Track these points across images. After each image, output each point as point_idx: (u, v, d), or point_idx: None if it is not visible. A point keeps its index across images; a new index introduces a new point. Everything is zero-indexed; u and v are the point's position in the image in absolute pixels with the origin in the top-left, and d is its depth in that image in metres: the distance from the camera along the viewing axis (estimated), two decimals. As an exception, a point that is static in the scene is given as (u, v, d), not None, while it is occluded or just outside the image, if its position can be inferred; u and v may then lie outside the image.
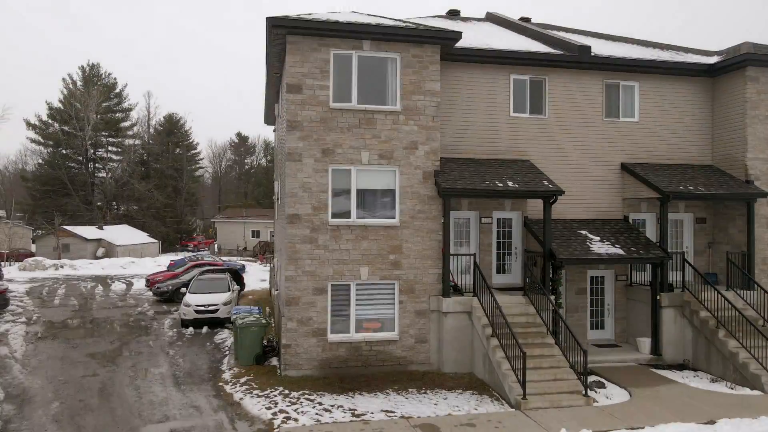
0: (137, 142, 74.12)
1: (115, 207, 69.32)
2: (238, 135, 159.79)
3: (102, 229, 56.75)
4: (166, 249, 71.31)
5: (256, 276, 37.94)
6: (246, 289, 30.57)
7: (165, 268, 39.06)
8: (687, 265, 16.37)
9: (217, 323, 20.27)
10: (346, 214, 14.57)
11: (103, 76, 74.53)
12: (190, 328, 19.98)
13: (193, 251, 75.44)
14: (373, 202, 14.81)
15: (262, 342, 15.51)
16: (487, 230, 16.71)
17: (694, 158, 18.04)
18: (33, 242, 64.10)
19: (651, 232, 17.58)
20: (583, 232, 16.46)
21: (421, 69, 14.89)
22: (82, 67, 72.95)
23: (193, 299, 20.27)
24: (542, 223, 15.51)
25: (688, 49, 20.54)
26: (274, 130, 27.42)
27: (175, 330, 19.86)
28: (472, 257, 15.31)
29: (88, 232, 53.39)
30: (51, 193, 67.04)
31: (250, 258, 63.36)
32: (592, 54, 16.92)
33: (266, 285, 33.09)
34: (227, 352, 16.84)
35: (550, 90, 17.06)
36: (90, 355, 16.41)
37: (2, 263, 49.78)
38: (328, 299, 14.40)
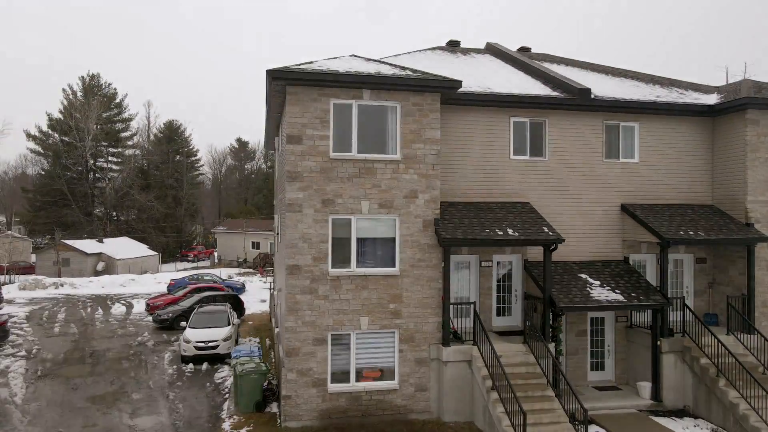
0: (137, 152, 74.04)
1: (116, 218, 69.29)
2: (238, 140, 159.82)
3: (102, 242, 56.75)
4: (166, 259, 71.38)
5: (256, 295, 37.94)
6: (246, 312, 30.57)
7: (165, 287, 39.13)
8: (690, 305, 16.41)
9: (217, 359, 20.27)
10: (347, 264, 14.56)
11: (104, 86, 74.69)
12: (190, 365, 19.96)
13: (193, 261, 75.65)
14: (373, 250, 14.81)
15: (262, 388, 15.49)
16: (487, 273, 16.71)
17: (694, 198, 18.03)
18: (33, 252, 64.25)
19: (651, 273, 17.58)
20: (584, 275, 16.46)
21: (421, 117, 14.89)
22: (83, 77, 73.14)
23: (193, 335, 20.24)
24: (542, 266, 15.52)
25: (689, 84, 20.55)
26: (274, 153, 27.39)
27: (174, 367, 19.84)
28: (472, 306, 15.31)
29: (88, 246, 53.39)
30: (51, 204, 67.12)
31: (251, 270, 63.41)
32: (593, 97, 16.91)
33: (266, 306, 33.11)
34: (227, 395, 16.83)
35: (550, 132, 17.06)
36: (90, 399, 16.39)
37: (2, 279, 49.98)
38: (328, 349, 14.39)
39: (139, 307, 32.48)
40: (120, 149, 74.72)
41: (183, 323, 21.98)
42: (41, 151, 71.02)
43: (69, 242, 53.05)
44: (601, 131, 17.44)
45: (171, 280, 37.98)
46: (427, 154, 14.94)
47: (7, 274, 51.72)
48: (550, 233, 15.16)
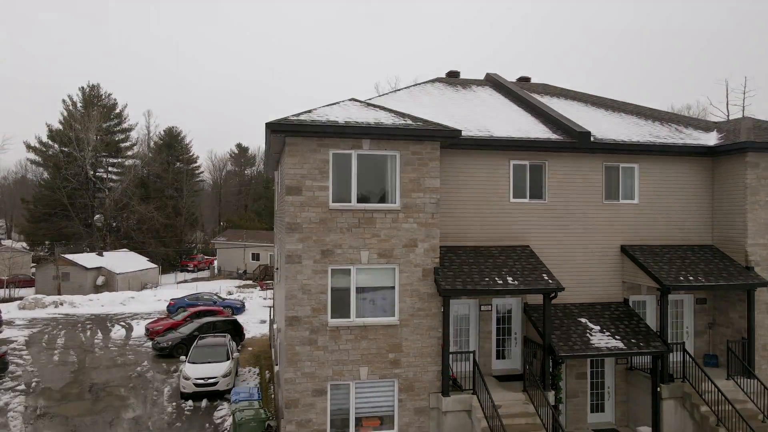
0: (137, 161, 73.96)
1: (116, 228, 69.24)
2: (238, 146, 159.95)
3: (102, 255, 56.72)
4: (166, 269, 71.36)
5: (256, 314, 37.91)
6: (246, 335, 30.54)
7: (165, 305, 39.10)
8: (690, 346, 16.38)
9: (217, 395, 20.25)
10: (346, 314, 14.54)
11: (103, 96, 74.69)
12: (190, 401, 19.95)
13: (192, 271, 75.63)
14: (373, 300, 14.78)
15: (262, 434, 15.48)
16: (486, 318, 16.69)
17: (694, 238, 18.00)
18: (33, 262, 64.24)
19: (651, 314, 17.56)
20: (583, 320, 16.43)
21: (421, 166, 14.88)
22: (83, 88, 73.14)
23: (193, 371, 20.22)
24: (542, 310, 15.51)
25: (689, 120, 20.55)
26: (275, 183, 27.37)
27: (174, 404, 19.82)
28: (471, 354, 15.29)
29: (88, 260, 53.35)
30: (51, 215, 67.12)
31: (251, 281, 63.37)
32: (592, 139, 16.90)
33: (266, 328, 33.08)
34: (226, 438, 16.82)
35: (550, 174, 17.04)
36: (89, 443, 16.37)
37: (2, 294, 49.96)
38: (328, 400, 14.37)
39: (139, 329, 32.45)
40: (120, 159, 74.69)
41: (183, 357, 21.90)
42: (41, 161, 71.08)
43: (69, 257, 53.01)
44: (601, 172, 17.42)
45: (171, 299, 37.95)
46: (426, 203, 14.92)
47: (6, 287, 51.77)
48: (550, 281, 15.14)
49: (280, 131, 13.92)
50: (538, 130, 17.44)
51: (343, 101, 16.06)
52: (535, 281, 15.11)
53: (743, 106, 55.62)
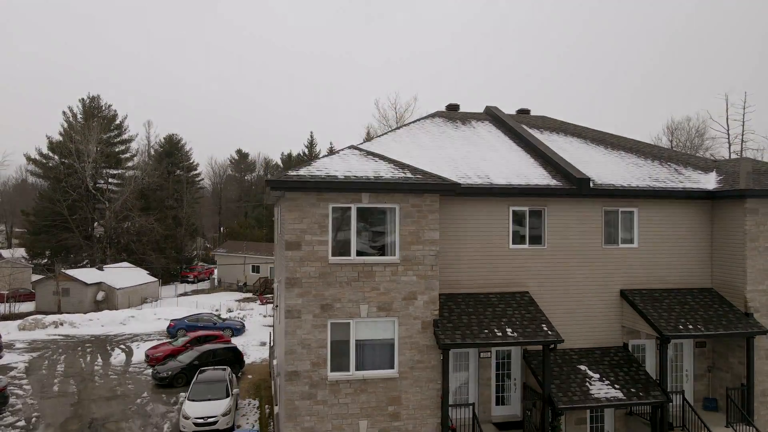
0: (137, 172, 73.91)
1: (116, 240, 69.22)
2: (239, 152, 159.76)
3: (102, 269, 56.73)
4: (167, 280, 71.39)
5: (256, 335, 37.90)
6: (246, 360, 30.55)
7: (165, 325, 39.09)
8: (689, 389, 16.37)
9: (216, 434, 20.29)
10: (345, 368, 14.55)
11: (104, 108, 74.72)
12: (190, 440, 19.96)
13: (193, 282, 75.62)
14: (372, 353, 14.80)
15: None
16: (486, 364, 16.70)
17: (693, 282, 18.01)
18: (33, 273, 64.27)
19: (651, 359, 17.58)
20: (583, 367, 16.44)
21: (420, 218, 14.90)
22: (83, 99, 73.21)
23: (192, 410, 20.23)
24: (541, 357, 15.54)
25: (688, 159, 20.58)
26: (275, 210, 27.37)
27: (174, 443, 19.84)
28: (471, 407, 15.30)
29: (88, 275, 53.36)
30: (51, 227, 67.13)
31: (251, 294, 63.37)
32: (592, 186, 16.91)
33: (266, 352, 33.08)
34: (226, 484, 16.81)
35: (550, 219, 17.06)
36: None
37: (2, 310, 49.92)
38: (327, 454, 14.38)
39: (139, 354, 32.44)
40: (120, 170, 74.68)
41: (182, 394, 21.91)
42: (41, 173, 71.12)
43: (69, 272, 53.02)
44: (600, 217, 17.44)
45: (171, 320, 37.96)
46: (426, 255, 14.94)
47: (7, 302, 51.73)
48: (549, 332, 15.15)
49: (280, 188, 13.95)
50: (538, 175, 17.46)
51: (342, 150, 16.09)
52: (534, 333, 15.12)
53: (743, 121, 55.73)
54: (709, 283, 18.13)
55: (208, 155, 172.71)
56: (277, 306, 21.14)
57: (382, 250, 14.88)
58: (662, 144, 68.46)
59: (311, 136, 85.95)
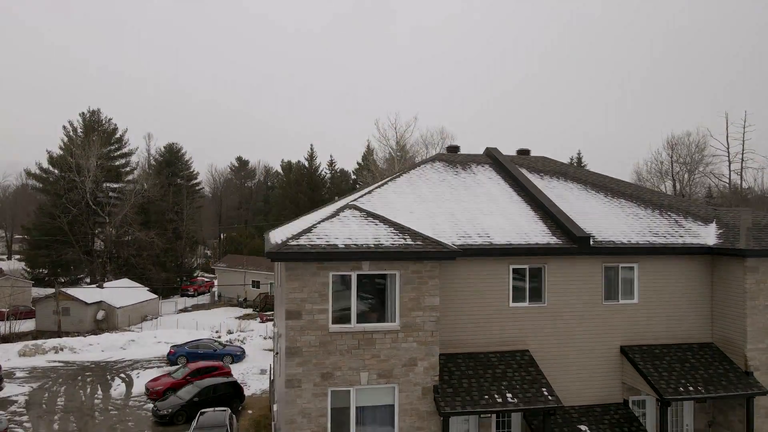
0: (138, 187, 73.91)
1: (116, 255, 69.25)
2: (239, 159, 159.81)
3: (102, 287, 56.73)
4: (167, 294, 71.46)
5: (256, 362, 37.85)
6: (247, 391, 30.55)
7: (166, 350, 39.03)
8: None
9: (217, 483, 20.30)
10: (346, 435, 14.57)
11: (104, 121, 74.82)
12: (190, 490, 19.96)
13: (193, 295, 75.64)
14: (373, 420, 14.81)
15: None
16: (486, 424, 16.70)
17: (694, 336, 18.01)
18: (33, 285, 64.35)
19: (651, 416, 17.58)
20: (583, 428, 16.43)
21: (421, 284, 14.91)
22: (83, 113, 73.28)
23: (193, 459, 20.26)
24: (541, 416, 15.56)
25: (688, 207, 20.59)
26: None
27: (174, 493, 19.83)
28: (471, 474, 15.31)
29: (88, 294, 53.38)
30: (51, 242, 67.20)
31: (251, 310, 63.38)
32: (592, 244, 16.93)
33: (266, 381, 33.06)
34: None
35: (550, 277, 17.07)
36: None
37: (2, 330, 49.87)
38: None
39: (139, 384, 32.42)
40: (121, 184, 74.70)
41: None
42: (41, 186, 71.19)
43: (69, 291, 53.09)
44: (601, 273, 17.45)
45: (171, 347, 37.94)
46: (426, 321, 14.96)
47: (7, 319, 51.73)
48: (550, 397, 15.17)
49: (281, 259, 13.97)
50: (538, 232, 17.46)
51: (342, 212, 16.08)
52: (534, 398, 15.13)
53: (743, 140, 55.79)
54: (710, 337, 18.13)
55: (208, 163, 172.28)
56: (277, 334, 21.02)
57: (382, 316, 14.90)
58: (663, 159, 68.53)
59: (311, 149, 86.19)
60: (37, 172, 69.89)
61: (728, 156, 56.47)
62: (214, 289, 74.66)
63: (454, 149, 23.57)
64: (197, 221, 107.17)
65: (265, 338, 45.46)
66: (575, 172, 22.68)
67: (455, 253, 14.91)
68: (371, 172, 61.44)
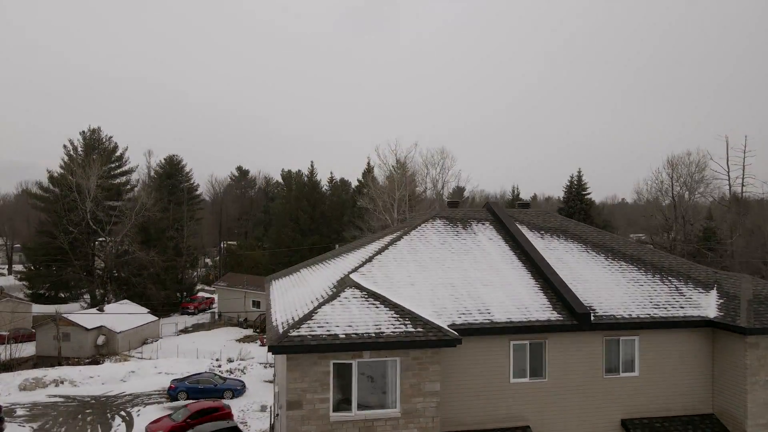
0: (138, 206, 73.93)
1: (116, 274, 69.26)
2: (239, 169, 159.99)
3: (102, 310, 56.78)
4: (167, 312, 71.53)
5: (257, 395, 37.89)
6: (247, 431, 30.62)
7: (167, 382, 39.07)
8: None
9: None
10: None
11: (104, 140, 74.90)
12: None
13: (193, 313, 75.67)
14: (373, 507, 14.79)
15: None
16: (487, 502, 16.70)
17: (695, 407, 18.00)
18: (33, 314, 64.33)
19: (651, 489, 17.56)
20: (584, 506, 16.44)
21: (421, 371, 14.92)
22: (83, 132, 73.36)
23: None
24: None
25: (689, 270, 20.58)
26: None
27: None
28: None
29: (89, 320, 53.42)
30: (51, 261, 67.30)
31: (252, 331, 63.41)
32: (593, 320, 16.94)
33: (266, 421, 33.07)
34: None
35: (550, 352, 17.08)
36: None
37: (2, 355, 49.87)
38: None
39: (140, 425, 32.44)
40: (121, 202, 74.69)
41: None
42: (42, 206, 71.23)
43: (69, 317, 53.14)
44: (602, 346, 17.45)
45: (171, 382, 37.97)
46: (427, 407, 14.96)
47: (8, 343, 51.74)
48: (550, 482, 15.16)
49: (283, 353, 13.98)
50: (539, 306, 17.46)
51: (344, 293, 16.08)
52: (535, 483, 15.13)
53: (743, 165, 55.84)
54: (710, 408, 18.13)
55: (208, 173, 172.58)
56: (277, 384, 20.94)
57: (383, 403, 14.89)
58: (663, 178, 68.54)
59: (312, 166, 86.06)
60: (38, 192, 69.91)
61: (729, 180, 56.54)
62: (215, 307, 74.64)
63: (454, 204, 23.61)
64: (198, 232, 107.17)
65: (265, 366, 45.50)
66: (575, 229, 22.68)
67: (456, 341, 14.92)
68: (372, 199, 61.31)
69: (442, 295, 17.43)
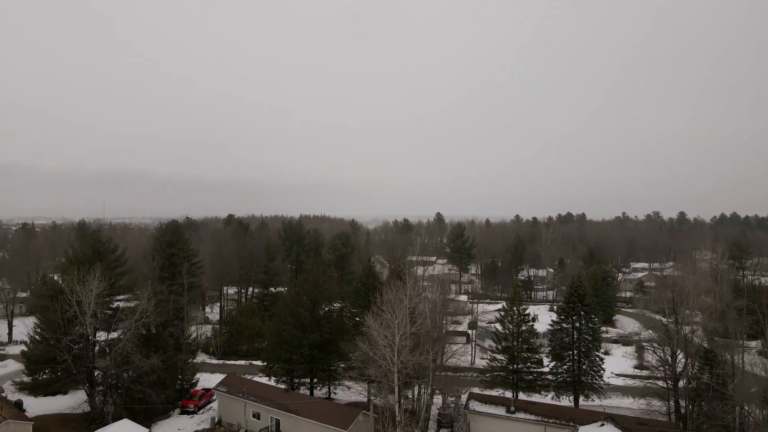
0: (137, 313, 73.64)
1: (115, 384, 68.93)
2: (239, 222, 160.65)
3: (101, 441, 56.52)
4: (166, 411, 71.25)
5: None
6: None
7: None
8: None
9: None
10: None
11: (104, 240, 74.65)
12: None
13: (194, 412, 75.34)
14: None
15: None
16: None
17: None
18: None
19: None
20: None
21: None
22: (84, 235, 73.05)
23: None
24: None
25: None
26: None
27: None
28: None
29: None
30: (52, 372, 67.09)
31: (252, 447, 63.00)
32: None
33: None
34: None
35: None
36: None
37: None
38: None
39: None
40: (120, 303, 74.36)
41: None
42: (42, 315, 70.99)
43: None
44: None
45: None
46: None
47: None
48: None
49: None
50: None
51: None
52: None
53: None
54: None
55: (207, 225, 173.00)
56: None
57: None
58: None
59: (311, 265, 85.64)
60: (38, 302, 69.60)
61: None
62: (214, 411, 74.14)
63: None
64: (198, 284, 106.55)
65: None
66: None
67: None
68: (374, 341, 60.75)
69: None
